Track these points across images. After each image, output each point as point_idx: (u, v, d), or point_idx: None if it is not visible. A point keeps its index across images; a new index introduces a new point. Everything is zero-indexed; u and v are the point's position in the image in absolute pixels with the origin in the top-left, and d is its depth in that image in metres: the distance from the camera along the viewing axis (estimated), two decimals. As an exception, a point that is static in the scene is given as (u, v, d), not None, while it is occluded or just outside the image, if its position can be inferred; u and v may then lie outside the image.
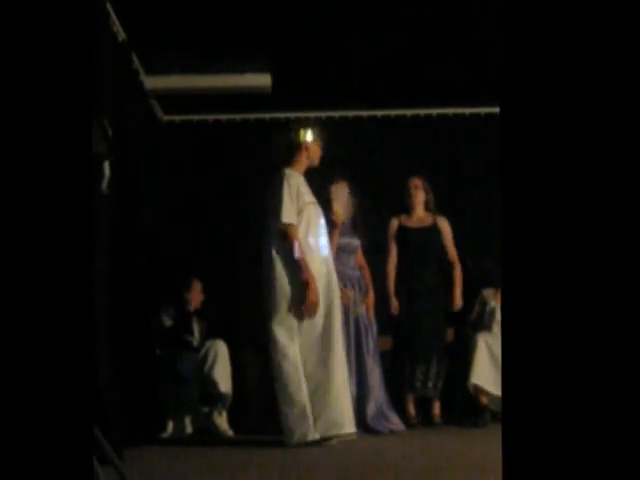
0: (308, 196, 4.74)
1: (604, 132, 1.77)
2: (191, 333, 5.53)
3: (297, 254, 4.55)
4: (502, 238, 1.84)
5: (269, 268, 4.59)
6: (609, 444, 1.65)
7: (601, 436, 1.66)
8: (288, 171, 4.73)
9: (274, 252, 4.58)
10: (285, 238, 4.57)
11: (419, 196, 5.72)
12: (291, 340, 4.50)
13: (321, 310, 4.58)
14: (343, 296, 4.97)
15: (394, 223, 5.77)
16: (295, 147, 4.81)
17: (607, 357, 1.68)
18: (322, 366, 4.53)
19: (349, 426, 4.55)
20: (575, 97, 1.79)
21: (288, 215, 4.56)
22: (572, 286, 1.73)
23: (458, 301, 5.63)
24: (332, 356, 4.56)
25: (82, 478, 1.75)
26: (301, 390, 4.46)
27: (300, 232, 4.59)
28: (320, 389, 4.51)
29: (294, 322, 4.52)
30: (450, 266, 5.71)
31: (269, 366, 4.62)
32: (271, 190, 4.71)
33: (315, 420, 4.46)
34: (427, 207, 5.77)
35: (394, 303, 5.60)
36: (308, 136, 4.82)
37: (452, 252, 5.75)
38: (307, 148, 4.81)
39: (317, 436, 4.44)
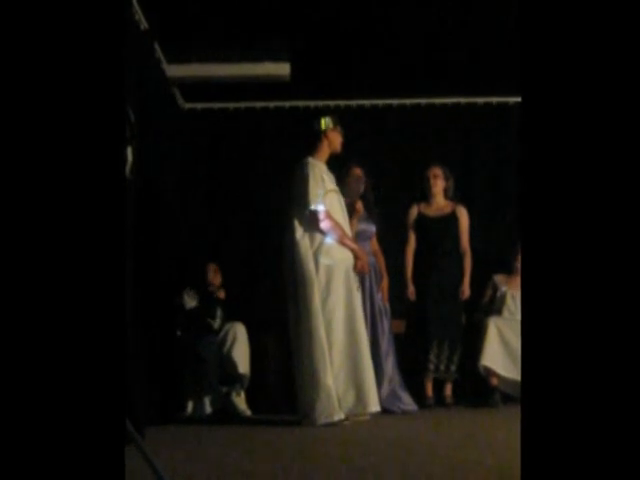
0: (330, 183, 4.85)
1: (625, 122, 1.79)
2: (213, 317, 5.63)
3: (334, 234, 4.69)
4: (520, 224, 1.87)
5: (293, 253, 4.68)
6: (627, 428, 1.68)
7: (619, 419, 1.69)
8: (311, 160, 4.83)
9: (298, 237, 4.67)
10: (314, 224, 4.68)
11: (438, 185, 5.79)
12: (316, 324, 4.58)
13: (343, 294, 4.69)
14: None
15: (413, 211, 5.84)
16: (316, 136, 4.91)
17: (624, 343, 1.71)
18: (347, 347, 4.64)
19: (374, 405, 4.68)
20: (595, 86, 1.83)
21: (317, 201, 4.67)
22: (590, 271, 1.75)
23: (467, 290, 5.72)
24: (356, 337, 4.67)
25: (113, 459, 1.80)
26: (327, 372, 4.53)
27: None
28: (345, 370, 4.62)
29: (319, 305, 4.60)
30: (462, 255, 5.79)
31: (293, 348, 4.69)
32: (295, 179, 4.81)
33: (340, 400, 4.57)
34: (446, 195, 5.84)
35: (411, 289, 5.70)
36: (328, 124, 4.91)
37: (465, 241, 5.81)
38: (327, 136, 4.90)
39: (342, 416, 4.54)
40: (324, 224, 4.68)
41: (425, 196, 5.84)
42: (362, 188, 5.55)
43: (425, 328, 5.64)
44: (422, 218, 5.80)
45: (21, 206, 1.77)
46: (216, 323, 5.63)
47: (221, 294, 5.76)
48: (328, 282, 4.65)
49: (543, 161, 1.83)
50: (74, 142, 1.82)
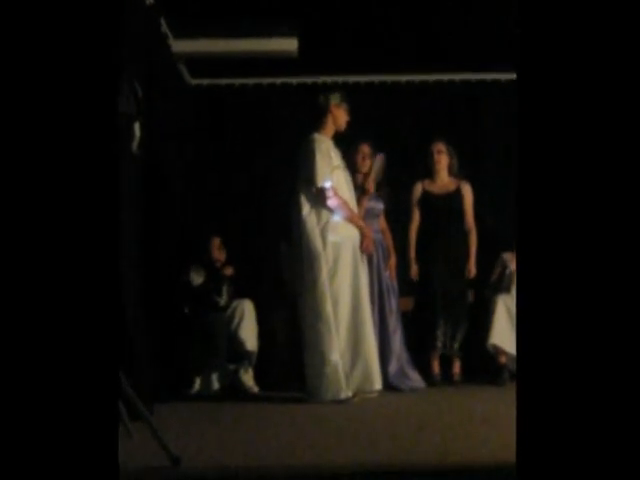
0: (337, 160, 4.84)
1: (623, 101, 1.79)
2: (220, 293, 5.63)
3: (341, 212, 4.70)
4: (517, 203, 1.88)
5: (299, 229, 4.68)
6: (622, 406, 1.70)
7: (614, 395, 1.70)
8: (317, 136, 4.83)
9: (305, 214, 4.68)
10: (321, 201, 4.67)
11: (442, 161, 5.75)
12: (324, 301, 4.58)
13: (350, 271, 4.69)
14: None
15: (418, 188, 5.81)
16: (322, 112, 4.89)
17: (619, 323, 1.72)
18: (353, 325, 4.65)
19: (377, 383, 4.70)
20: (593, 65, 1.82)
21: (323, 178, 4.66)
22: (585, 249, 1.76)
23: (472, 268, 5.70)
24: (362, 315, 4.69)
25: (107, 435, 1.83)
26: (334, 349, 4.55)
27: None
28: (351, 348, 4.64)
29: (326, 282, 4.60)
30: (467, 233, 5.76)
31: (301, 326, 4.70)
32: (302, 155, 4.80)
33: (346, 378, 4.58)
34: (451, 172, 5.81)
35: (414, 269, 5.69)
36: (332, 100, 4.90)
37: (470, 219, 5.78)
38: (332, 112, 4.89)
39: (349, 394, 4.55)
40: (331, 201, 4.68)
41: (429, 173, 5.81)
42: (369, 165, 5.52)
43: (432, 305, 5.62)
44: (427, 195, 5.77)
45: (17, 180, 1.76)
46: (222, 300, 5.62)
47: (228, 271, 5.75)
48: (336, 259, 4.65)
49: (541, 143, 1.83)
50: (67, 113, 1.82)
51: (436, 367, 5.65)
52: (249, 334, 5.42)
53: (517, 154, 1.90)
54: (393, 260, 5.59)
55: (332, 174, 4.72)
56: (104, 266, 1.86)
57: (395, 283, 5.57)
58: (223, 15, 5.62)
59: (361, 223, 4.88)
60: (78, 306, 1.82)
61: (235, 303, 5.54)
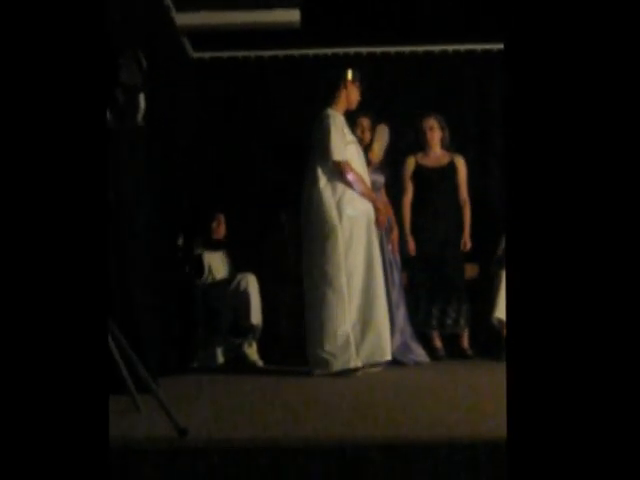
0: (349, 135, 4.88)
1: (613, 76, 1.77)
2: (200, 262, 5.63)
3: (357, 186, 4.73)
4: (506, 181, 1.87)
5: (315, 202, 4.71)
6: (612, 383, 1.71)
7: (606, 375, 1.71)
8: (331, 111, 4.85)
9: (321, 186, 4.70)
10: (338, 174, 4.70)
11: (435, 136, 5.73)
12: (338, 271, 4.62)
13: (364, 245, 4.72)
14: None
15: (411, 162, 5.79)
16: (335, 87, 4.90)
17: (609, 301, 1.73)
18: (365, 297, 4.68)
19: (387, 354, 4.74)
20: (581, 42, 1.80)
21: (339, 152, 4.69)
22: (572, 230, 1.76)
23: (467, 242, 5.69)
24: (374, 288, 4.72)
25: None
26: (345, 320, 4.58)
27: None
28: (363, 318, 4.66)
29: (342, 254, 4.63)
30: (461, 207, 5.75)
31: (309, 297, 4.72)
32: (316, 130, 4.82)
33: (357, 348, 4.60)
34: (443, 145, 5.79)
35: (411, 244, 5.68)
36: (349, 76, 4.90)
37: (463, 192, 5.77)
38: (347, 88, 4.90)
39: (359, 363, 4.58)
40: (350, 176, 4.72)
41: (422, 147, 5.78)
42: (368, 138, 5.50)
43: (427, 282, 5.63)
44: (420, 169, 5.75)
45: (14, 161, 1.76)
46: (206, 272, 5.63)
47: (219, 234, 5.76)
48: (351, 232, 4.68)
49: (529, 124, 1.81)
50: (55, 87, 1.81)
51: (437, 342, 5.66)
52: (253, 308, 5.42)
53: (506, 134, 1.88)
54: (395, 234, 5.57)
55: (346, 149, 4.75)
56: (98, 241, 1.87)
57: (398, 257, 5.56)
58: (225, -13, 5.58)
59: (374, 197, 4.94)
60: (77, 284, 1.82)
61: (240, 276, 5.54)
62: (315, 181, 4.73)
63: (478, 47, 6.48)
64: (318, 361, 4.61)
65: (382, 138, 5.45)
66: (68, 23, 1.81)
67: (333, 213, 4.67)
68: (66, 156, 1.81)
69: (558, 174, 1.77)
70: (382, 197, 5.59)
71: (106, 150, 1.94)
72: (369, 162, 5.31)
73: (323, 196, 4.69)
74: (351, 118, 5.23)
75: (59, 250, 1.80)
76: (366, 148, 5.41)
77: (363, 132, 5.48)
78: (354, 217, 4.70)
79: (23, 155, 1.76)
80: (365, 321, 4.66)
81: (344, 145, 4.74)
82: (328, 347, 4.56)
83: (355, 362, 4.56)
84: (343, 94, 4.89)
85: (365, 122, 5.50)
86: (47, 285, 1.78)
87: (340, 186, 4.71)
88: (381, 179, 5.56)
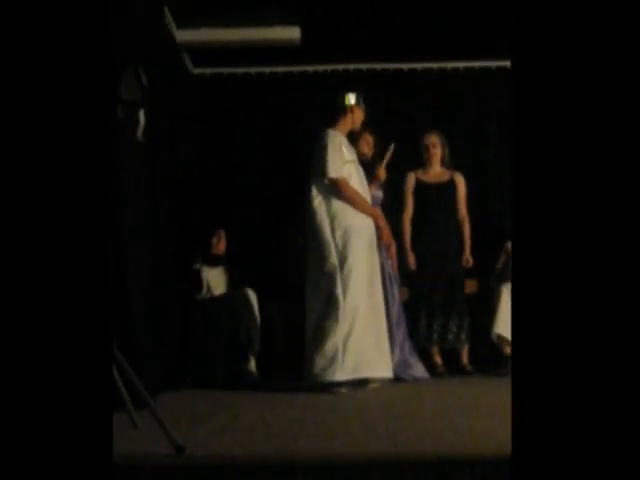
0: (349, 155, 4.89)
1: (619, 87, 1.78)
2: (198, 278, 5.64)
3: (356, 203, 4.76)
4: (513, 192, 1.87)
5: (310, 221, 4.76)
6: (617, 397, 1.70)
7: (611, 388, 1.71)
8: (331, 131, 4.88)
9: (315, 205, 4.74)
10: (334, 192, 4.73)
11: (436, 152, 5.76)
12: (332, 284, 4.63)
13: (365, 258, 4.75)
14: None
15: (411, 178, 5.82)
16: (340, 110, 4.94)
17: (615, 314, 1.72)
18: (369, 311, 4.70)
19: (387, 370, 4.76)
20: (587, 52, 1.81)
21: (335, 170, 4.72)
22: (581, 241, 1.76)
23: (469, 258, 5.71)
24: (376, 302, 4.76)
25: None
26: (338, 333, 4.58)
27: None
28: (367, 333, 4.66)
29: (336, 268, 4.64)
30: (460, 224, 5.77)
31: (308, 312, 4.74)
32: (315, 149, 4.85)
33: (358, 362, 4.61)
34: (443, 162, 5.81)
35: (411, 258, 5.69)
36: (352, 100, 4.93)
37: (463, 209, 5.80)
38: (352, 111, 4.94)
39: (358, 376, 4.61)
40: (343, 193, 4.71)
41: (422, 163, 5.80)
42: (371, 155, 5.51)
43: (428, 298, 5.63)
44: (420, 185, 5.78)
45: (16, 168, 1.76)
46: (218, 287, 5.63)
47: (219, 249, 5.77)
48: (345, 245, 4.69)
49: (536, 132, 1.83)
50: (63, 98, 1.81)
51: (437, 358, 5.65)
52: (251, 323, 5.42)
53: (513, 143, 1.89)
54: (394, 249, 5.57)
55: (344, 167, 4.77)
56: (100, 255, 1.87)
57: (397, 272, 5.56)
58: (226, 4, 5.61)
59: (377, 213, 4.98)
60: (78, 294, 1.82)
61: (238, 292, 5.54)
62: (311, 199, 4.78)
63: (476, 64, 6.51)
64: (313, 374, 4.61)
65: (388, 158, 5.46)
66: (72, 38, 1.82)
67: (326, 229, 4.70)
68: (69, 170, 1.81)
69: (564, 188, 1.78)
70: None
71: (110, 165, 1.94)
72: (376, 179, 5.34)
73: (317, 214, 4.73)
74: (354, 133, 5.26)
75: (63, 264, 1.80)
76: (371, 164, 5.43)
77: (368, 148, 5.50)
78: (348, 230, 4.71)
79: (25, 168, 1.77)
80: (370, 336, 4.67)
81: (342, 163, 4.76)
82: (323, 362, 4.56)
83: (354, 376, 4.58)
84: (349, 117, 4.95)
85: (369, 138, 5.53)
86: (49, 300, 1.78)
87: (335, 203, 4.74)
88: (380, 194, 5.57)
